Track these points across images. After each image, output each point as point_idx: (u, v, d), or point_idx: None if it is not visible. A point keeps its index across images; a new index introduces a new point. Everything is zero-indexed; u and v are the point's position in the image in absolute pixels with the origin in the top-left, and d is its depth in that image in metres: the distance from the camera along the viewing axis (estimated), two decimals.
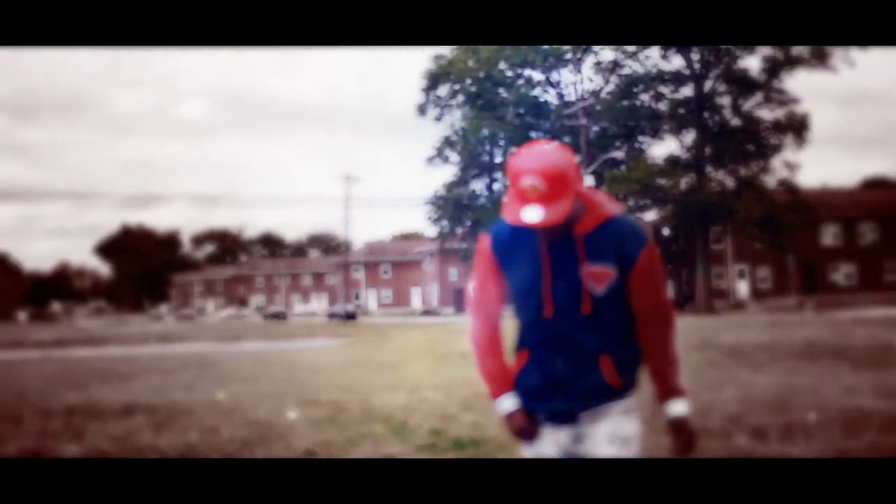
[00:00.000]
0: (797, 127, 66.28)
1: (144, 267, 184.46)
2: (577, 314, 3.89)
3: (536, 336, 4.00)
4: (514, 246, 3.98)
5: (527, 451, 4.12)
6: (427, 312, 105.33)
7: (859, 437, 9.74)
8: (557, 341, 3.93)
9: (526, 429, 4.06)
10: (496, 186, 77.85)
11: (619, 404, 3.97)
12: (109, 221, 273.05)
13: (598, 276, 3.87)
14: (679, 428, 4.00)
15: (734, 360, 19.43)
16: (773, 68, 66.41)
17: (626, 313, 3.98)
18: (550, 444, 4.03)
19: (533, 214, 3.67)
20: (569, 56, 73.48)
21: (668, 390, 4.02)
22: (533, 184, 3.65)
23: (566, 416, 3.99)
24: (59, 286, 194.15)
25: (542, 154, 3.74)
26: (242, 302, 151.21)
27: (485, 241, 4.10)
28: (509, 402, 4.08)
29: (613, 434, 3.95)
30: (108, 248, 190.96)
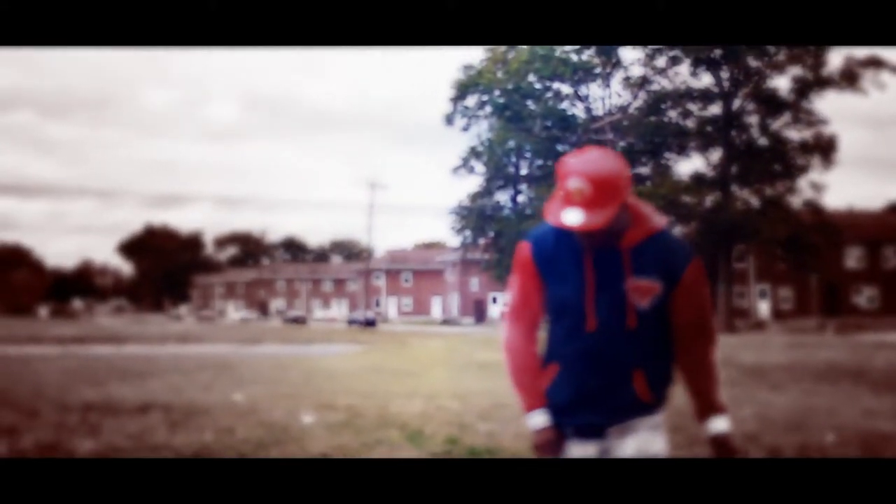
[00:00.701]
0: (825, 148, 65.94)
1: (166, 267, 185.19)
2: (620, 328, 3.79)
3: (572, 350, 3.87)
4: (557, 255, 3.87)
5: None
6: (447, 322, 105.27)
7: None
8: (596, 356, 3.82)
9: (552, 447, 3.93)
10: (520, 198, 77.86)
11: (647, 420, 3.89)
12: (134, 220, 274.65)
13: (644, 291, 3.79)
14: (721, 444, 3.92)
15: (753, 379, 19.35)
16: (803, 89, 66.14)
17: (667, 329, 3.91)
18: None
19: (574, 217, 3.60)
20: (598, 70, 73.45)
21: (709, 407, 3.94)
22: (579, 187, 3.59)
23: (594, 431, 3.89)
24: (81, 283, 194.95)
25: (594, 159, 3.67)
26: (263, 305, 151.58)
27: (525, 249, 3.96)
28: (542, 419, 3.94)
29: (640, 450, 3.85)
30: (131, 247, 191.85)
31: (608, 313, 3.79)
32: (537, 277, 3.93)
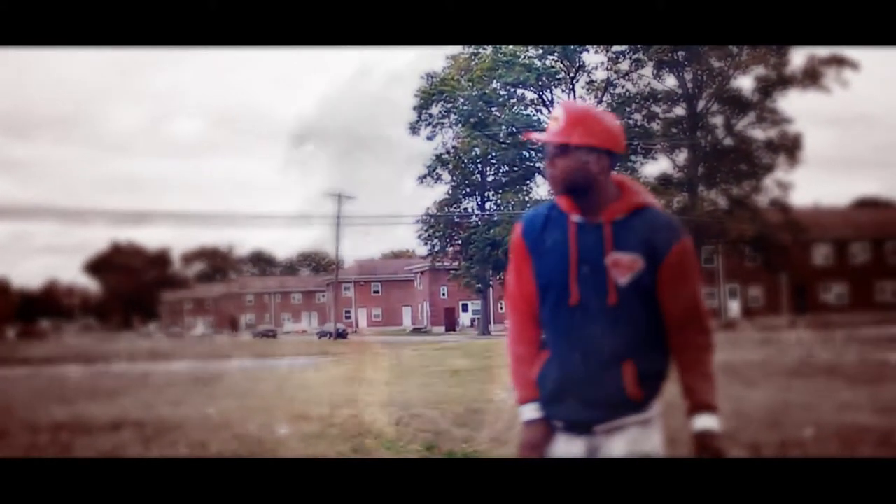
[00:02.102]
0: (790, 147, 66.40)
1: (134, 285, 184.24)
2: (601, 305, 3.64)
3: (556, 329, 3.74)
4: (544, 232, 3.78)
5: None
6: (417, 331, 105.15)
7: (856, 452, 9.67)
8: (577, 333, 3.67)
9: (539, 444, 3.77)
10: (488, 205, 77.92)
11: (637, 416, 3.70)
12: (99, 239, 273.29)
13: (623, 266, 3.63)
14: (705, 443, 3.69)
15: (727, 377, 19.31)
16: (766, 88, 66.55)
17: (655, 316, 3.71)
18: (563, 454, 3.77)
19: (538, 134, 3.83)
20: (561, 75, 73.63)
21: (697, 405, 3.72)
22: (556, 115, 3.73)
23: (581, 427, 3.72)
24: (48, 304, 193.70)
25: (588, 105, 3.92)
26: (233, 321, 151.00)
27: (517, 229, 3.90)
28: (531, 412, 3.80)
29: (630, 450, 3.68)
30: (97, 266, 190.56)
31: (589, 288, 3.67)
32: (528, 257, 3.84)
